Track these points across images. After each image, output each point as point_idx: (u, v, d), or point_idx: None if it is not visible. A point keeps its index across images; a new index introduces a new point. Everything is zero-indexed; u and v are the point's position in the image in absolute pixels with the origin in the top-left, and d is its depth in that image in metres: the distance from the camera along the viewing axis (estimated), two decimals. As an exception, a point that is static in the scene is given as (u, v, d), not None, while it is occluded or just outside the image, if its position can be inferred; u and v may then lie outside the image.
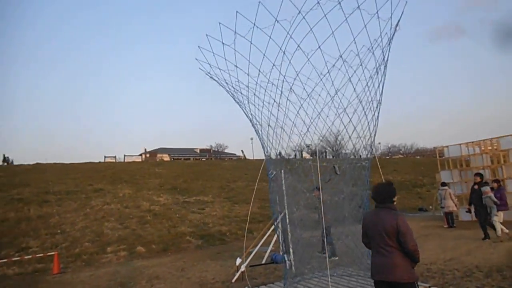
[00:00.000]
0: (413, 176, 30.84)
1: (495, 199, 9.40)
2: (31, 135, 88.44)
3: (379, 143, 60.36)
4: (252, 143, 47.91)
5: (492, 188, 9.83)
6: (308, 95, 5.87)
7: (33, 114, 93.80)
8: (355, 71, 5.71)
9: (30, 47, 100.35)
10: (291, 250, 8.04)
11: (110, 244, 12.90)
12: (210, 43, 4.92)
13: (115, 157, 33.52)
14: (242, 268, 7.54)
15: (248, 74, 5.56)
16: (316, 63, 5.43)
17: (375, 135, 6.47)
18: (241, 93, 5.81)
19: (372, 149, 6.79)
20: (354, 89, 5.88)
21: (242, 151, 42.32)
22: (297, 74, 5.33)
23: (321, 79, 5.74)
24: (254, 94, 5.77)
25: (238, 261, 7.93)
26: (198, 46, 4.85)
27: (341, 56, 5.45)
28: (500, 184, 10.40)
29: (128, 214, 16.07)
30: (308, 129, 6.19)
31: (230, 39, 4.79)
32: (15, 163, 28.90)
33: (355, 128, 6.16)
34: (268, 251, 9.38)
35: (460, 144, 14.46)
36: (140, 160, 34.42)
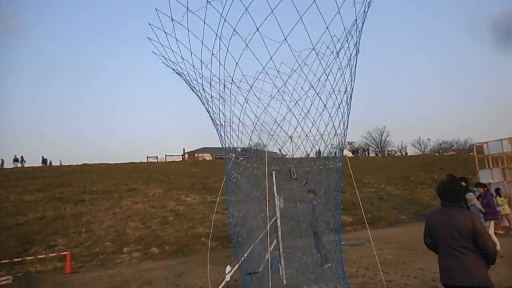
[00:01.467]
0: (461, 174, 28.17)
1: (480, 207, 7.91)
2: (81, 137, 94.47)
3: (428, 139, 56.46)
4: (291, 141, 47.07)
5: (480, 195, 8.60)
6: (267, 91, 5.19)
7: (82, 117, 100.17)
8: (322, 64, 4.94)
9: (74, 50, 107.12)
10: (281, 260, 7.42)
11: (128, 244, 13.03)
12: (162, 21, 4.25)
13: (156, 157, 34.74)
14: (227, 278, 7.05)
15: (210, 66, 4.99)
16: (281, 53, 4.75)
17: (345, 133, 5.63)
18: (200, 85, 5.21)
19: (342, 148, 5.95)
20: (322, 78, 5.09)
21: (279, 149, 41.68)
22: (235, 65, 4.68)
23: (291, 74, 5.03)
24: (210, 84, 5.18)
25: (228, 269, 7.44)
26: (149, 23, 4.26)
27: (313, 48, 4.73)
28: (486, 189, 8.94)
29: (152, 214, 16.22)
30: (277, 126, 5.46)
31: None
32: (64, 163, 30.73)
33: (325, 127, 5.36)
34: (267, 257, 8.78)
35: (501, 140, 12.71)
36: (180, 160, 35.18)
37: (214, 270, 8.96)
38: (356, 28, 4.66)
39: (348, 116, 5.60)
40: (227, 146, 5.64)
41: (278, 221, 7.49)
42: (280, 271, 7.68)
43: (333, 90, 5.26)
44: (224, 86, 5.02)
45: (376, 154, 48.11)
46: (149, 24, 4.24)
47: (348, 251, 10.28)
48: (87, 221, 15.59)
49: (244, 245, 6.11)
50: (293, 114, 5.80)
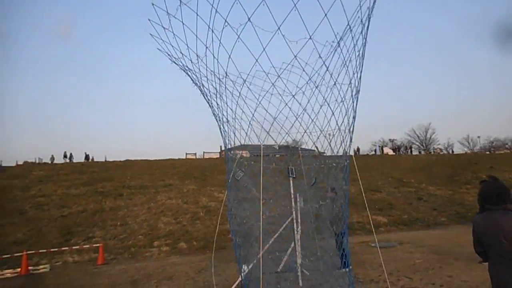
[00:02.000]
0: (513, 174, 26.05)
1: None
2: (124, 134, 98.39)
3: (478, 137, 52.64)
4: (331, 138, 45.99)
5: None
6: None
7: (128, 114, 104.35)
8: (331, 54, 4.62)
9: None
10: (298, 260, 7.18)
11: (158, 238, 13.34)
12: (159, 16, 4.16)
13: (195, 154, 35.43)
14: (240, 279, 6.93)
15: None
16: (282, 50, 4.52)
17: (353, 129, 5.26)
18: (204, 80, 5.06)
19: (349, 146, 5.56)
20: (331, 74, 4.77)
21: (316, 147, 40.74)
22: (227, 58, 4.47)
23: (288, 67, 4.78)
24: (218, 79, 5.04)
25: (244, 268, 7.33)
26: (149, 19, 4.19)
27: (310, 38, 4.44)
28: None
29: (184, 209, 16.51)
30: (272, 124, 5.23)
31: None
32: (109, 159, 32.21)
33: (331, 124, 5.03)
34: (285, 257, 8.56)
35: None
36: (217, 157, 35.63)
37: (234, 268, 8.88)
38: (365, 15, 4.30)
39: (354, 111, 5.22)
40: (232, 143, 5.44)
41: (295, 222, 7.25)
42: (298, 272, 7.44)
43: (335, 83, 4.92)
44: (233, 82, 4.86)
45: (420, 152, 45.63)
46: (149, 20, 4.17)
47: (375, 253, 9.75)
48: (124, 215, 16.19)
49: (244, 245, 5.92)
50: (305, 110, 5.49)
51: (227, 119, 5.12)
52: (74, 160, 31.20)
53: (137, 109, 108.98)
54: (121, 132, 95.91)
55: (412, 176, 25.47)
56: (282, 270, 7.93)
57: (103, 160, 32.47)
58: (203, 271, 8.69)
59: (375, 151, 42.47)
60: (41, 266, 10.55)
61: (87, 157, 33.25)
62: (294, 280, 7.02)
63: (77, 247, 12.39)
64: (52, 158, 31.46)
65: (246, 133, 5.24)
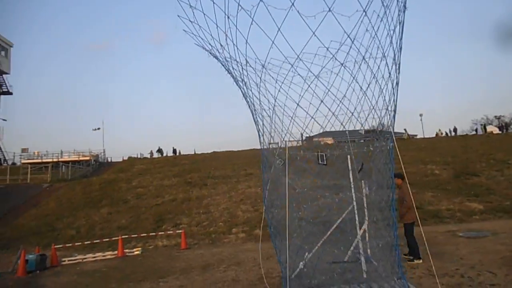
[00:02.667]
0: None
1: None
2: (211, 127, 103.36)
3: None
4: (421, 119, 42.05)
5: None
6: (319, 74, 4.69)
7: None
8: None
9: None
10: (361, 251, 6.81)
11: (237, 225, 13.90)
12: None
13: (277, 143, 35.65)
14: (301, 266, 6.87)
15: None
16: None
17: (395, 107, 4.70)
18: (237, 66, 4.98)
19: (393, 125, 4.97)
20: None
21: (405, 129, 37.59)
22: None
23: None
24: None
25: (306, 256, 7.26)
26: (178, 15, 4.27)
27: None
28: None
29: (262, 197, 16.86)
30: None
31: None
32: (198, 152, 34.46)
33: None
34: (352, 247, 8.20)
35: None
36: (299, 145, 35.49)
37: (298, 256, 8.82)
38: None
39: (397, 86, 4.67)
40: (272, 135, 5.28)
41: (355, 211, 6.86)
42: (362, 263, 7.07)
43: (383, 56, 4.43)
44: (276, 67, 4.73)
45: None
46: (178, 16, 4.27)
47: (460, 244, 8.76)
48: (207, 203, 17.22)
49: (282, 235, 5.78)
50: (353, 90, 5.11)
51: (273, 108, 5.00)
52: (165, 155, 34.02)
53: (220, 104, 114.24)
54: (209, 126, 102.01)
55: (523, 157, 22.02)
56: (347, 260, 7.60)
57: (193, 153, 34.89)
58: (270, 258, 8.80)
59: (476, 130, 37.59)
60: (135, 249, 11.85)
61: (174, 151, 36.10)
62: (359, 271, 6.68)
63: (166, 232, 13.60)
64: (151, 153, 34.93)
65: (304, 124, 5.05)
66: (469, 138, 32.14)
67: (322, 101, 4.71)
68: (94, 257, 11.13)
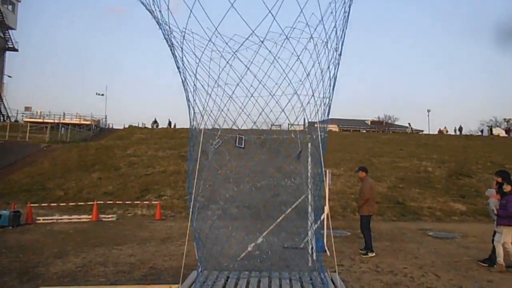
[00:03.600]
0: None
1: (494, 207, 6.28)
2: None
3: None
4: (428, 115, 41.15)
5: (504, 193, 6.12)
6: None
7: None
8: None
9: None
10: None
11: (216, 202, 13.85)
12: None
13: (280, 125, 35.37)
14: (249, 248, 6.76)
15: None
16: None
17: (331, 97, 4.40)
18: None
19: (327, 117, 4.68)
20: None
21: (409, 123, 36.78)
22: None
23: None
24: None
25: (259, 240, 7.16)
26: None
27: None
28: None
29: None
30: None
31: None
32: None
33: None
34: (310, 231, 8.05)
35: None
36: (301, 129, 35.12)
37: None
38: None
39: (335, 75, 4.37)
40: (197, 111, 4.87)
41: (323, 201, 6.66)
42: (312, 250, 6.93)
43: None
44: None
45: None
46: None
47: (424, 243, 8.55)
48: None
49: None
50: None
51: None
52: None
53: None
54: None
55: (520, 161, 21.38)
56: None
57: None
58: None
59: (482, 131, 36.60)
60: (110, 216, 11.95)
61: (169, 123, 36.05)
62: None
63: (150, 202, 13.69)
64: (154, 123, 34.95)
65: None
66: (472, 139, 31.32)
67: (238, 84, 4.39)
68: (69, 218, 11.26)
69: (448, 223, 12.05)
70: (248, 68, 4.10)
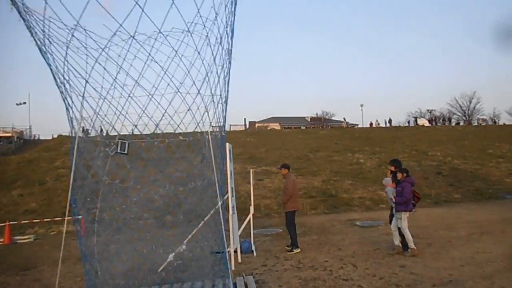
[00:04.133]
0: (559, 146, 22.88)
1: (392, 195, 6.53)
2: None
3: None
4: (362, 110, 43.49)
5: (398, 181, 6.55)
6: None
7: None
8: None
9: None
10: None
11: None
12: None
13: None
14: (170, 258, 6.38)
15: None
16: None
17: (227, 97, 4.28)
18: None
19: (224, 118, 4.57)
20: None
21: (344, 118, 38.68)
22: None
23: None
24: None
25: (182, 248, 6.77)
26: None
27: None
28: (406, 175, 6.55)
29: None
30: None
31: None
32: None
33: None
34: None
35: None
36: (241, 129, 35.18)
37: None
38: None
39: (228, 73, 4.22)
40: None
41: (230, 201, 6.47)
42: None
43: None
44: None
45: (458, 123, 41.51)
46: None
47: (350, 233, 8.77)
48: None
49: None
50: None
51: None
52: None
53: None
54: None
55: (440, 149, 23.24)
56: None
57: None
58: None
59: (409, 122, 39.47)
60: (26, 237, 10.81)
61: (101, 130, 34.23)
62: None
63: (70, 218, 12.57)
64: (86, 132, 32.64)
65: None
66: (400, 130, 33.51)
67: (115, 79, 4.06)
68: (-23, 244, 9.97)
69: (376, 211, 12.58)
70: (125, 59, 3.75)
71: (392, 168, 6.80)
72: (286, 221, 7.29)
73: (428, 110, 48.15)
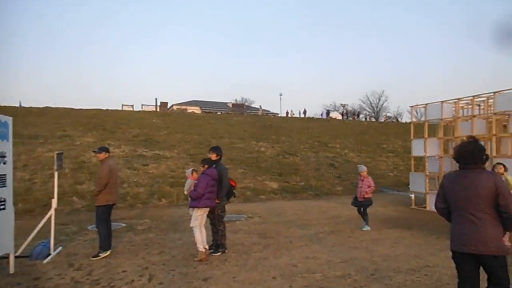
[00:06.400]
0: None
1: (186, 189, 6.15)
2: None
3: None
4: (281, 99, 43.48)
5: None
6: None
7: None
8: None
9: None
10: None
11: None
12: None
13: (132, 106, 32.33)
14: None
15: None
16: None
17: None
18: None
19: None
20: None
21: (260, 106, 38.29)
22: None
23: None
24: None
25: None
26: None
27: None
28: (208, 166, 5.58)
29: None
30: None
31: None
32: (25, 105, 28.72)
33: None
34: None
35: (442, 102, 9.27)
36: (152, 110, 32.66)
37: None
38: None
39: None
40: None
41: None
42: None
43: None
44: None
45: (366, 119, 43.89)
46: None
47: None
48: None
49: None
50: None
51: None
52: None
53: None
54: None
55: (341, 141, 23.57)
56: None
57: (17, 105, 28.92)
58: None
59: (322, 114, 40.46)
60: None
61: None
62: None
63: None
64: None
65: None
66: (313, 121, 33.89)
67: None
68: None
69: (253, 203, 11.71)
70: None
71: (214, 156, 5.69)
72: (96, 217, 5.76)
73: (341, 104, 50.15)
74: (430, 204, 9.61)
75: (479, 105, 9.58)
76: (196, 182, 5.57)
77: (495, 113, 7.96)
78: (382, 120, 43.70)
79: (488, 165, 5.64)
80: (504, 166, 5.69)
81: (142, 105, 33.38)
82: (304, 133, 25.78)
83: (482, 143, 9.62)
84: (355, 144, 23.10)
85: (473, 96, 8.69)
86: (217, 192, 5.61)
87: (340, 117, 40.05)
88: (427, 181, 9.68)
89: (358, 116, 45.07)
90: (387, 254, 5.53)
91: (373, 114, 49.79)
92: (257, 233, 7.18)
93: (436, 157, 9.69)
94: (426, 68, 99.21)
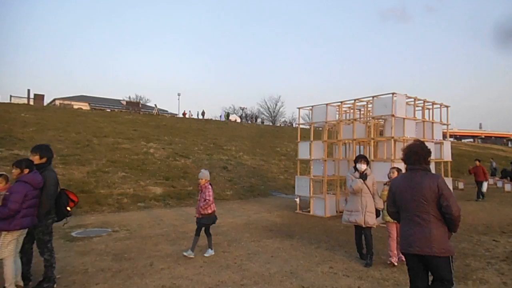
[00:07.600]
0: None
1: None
2: None
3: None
4: (179, 99, 41.62)
5: None
6: None
7: None
8: None
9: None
10: None
11: None
12: None
13: (-5, 96, 26.74)
14: None
15: None
16: None
17: None
18: None
19: None
20: None
21: (155, 105, 35.95)
22: None
23: None
24: None
25: None
26: None
27: None
28: (29, 169, 4.09)
29: None
30: None
31: None
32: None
33: None
34: None
35: (326, 105, 9.16)
36: (23, 102, 27.57)
37: None
38: None
39: None
40: None
41: None
42: None
43: None
44: None
45: (262, 122, 45.18)
46: None
47: (65, 247, 5.74)
48: None
49: None
50: None
51: None
52: None
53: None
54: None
55: (237, 144, 23.07)
56: None
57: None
58: None
59: (220, 117, 39.98)
60: None
61: None
62: None
63: None
64: None
65: None
66: (210, 123, 32.98)
67: None
68: None
69: (127, 212, 10.03)
70: None
71: (36, 159, 4.19)
72: None
73: (240, 107, 50.56)
74: (314, 208, 9.40)
75: (359, 110, 9.80)
76: (7, 193, 3.93)
77: (373, 117, 8.08)
78: (278, 125, 45.25)
79: (370, 168, 5.37)
80: (398, 171, 5.37)
81: (11, 96, 27.73)
82: (200, 135, 24.60)
83: (362, 147, 9.93)
84: (250, 147, 22.86)
85: (355, 100, 8.77)
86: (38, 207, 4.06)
87: (239, 120, 40.04)
88: (312, 185, 9.47)
89: (256, 120, 45.88)
90: (260, 274, 4.71)
91: (270, 118, 51.48)
92: (114, 253, 5.70)
93: (321, 160, 9.57)
94: (323, 75, 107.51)
